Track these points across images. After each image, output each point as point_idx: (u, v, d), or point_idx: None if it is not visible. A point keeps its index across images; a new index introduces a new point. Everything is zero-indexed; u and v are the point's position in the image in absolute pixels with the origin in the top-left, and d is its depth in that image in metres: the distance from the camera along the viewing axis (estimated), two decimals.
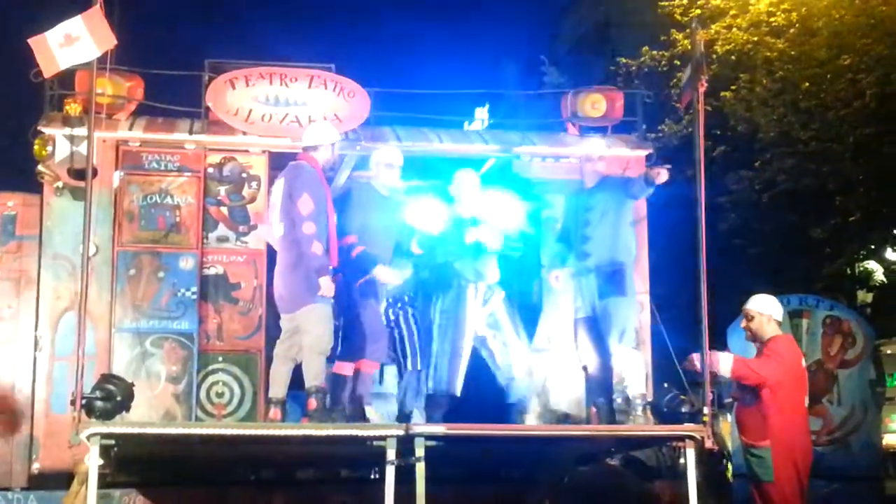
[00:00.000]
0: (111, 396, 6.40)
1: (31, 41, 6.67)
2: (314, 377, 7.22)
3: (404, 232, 8.14)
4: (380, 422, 7.67)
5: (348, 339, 7.79)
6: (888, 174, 13.24)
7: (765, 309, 7.35)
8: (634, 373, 7.59)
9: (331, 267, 7.38)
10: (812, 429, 9.11)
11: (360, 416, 7.50)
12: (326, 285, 7.21)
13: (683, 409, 6.93)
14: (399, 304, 8.47)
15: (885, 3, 13.16)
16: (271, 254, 8.00)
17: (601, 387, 7.92)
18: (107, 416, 6.31)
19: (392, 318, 8.42)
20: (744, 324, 7.44)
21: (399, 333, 8.44)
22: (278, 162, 8.61)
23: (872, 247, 14.63)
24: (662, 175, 7.51)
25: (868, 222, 13.76)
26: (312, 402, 7.15)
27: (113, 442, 6.26)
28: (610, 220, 7.78)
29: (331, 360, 7.63)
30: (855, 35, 13.51)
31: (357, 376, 7.67)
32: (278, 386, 7.34)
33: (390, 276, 7.71)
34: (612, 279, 7.69)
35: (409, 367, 8.40)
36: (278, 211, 7.50)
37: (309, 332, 7.28)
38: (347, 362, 7.71)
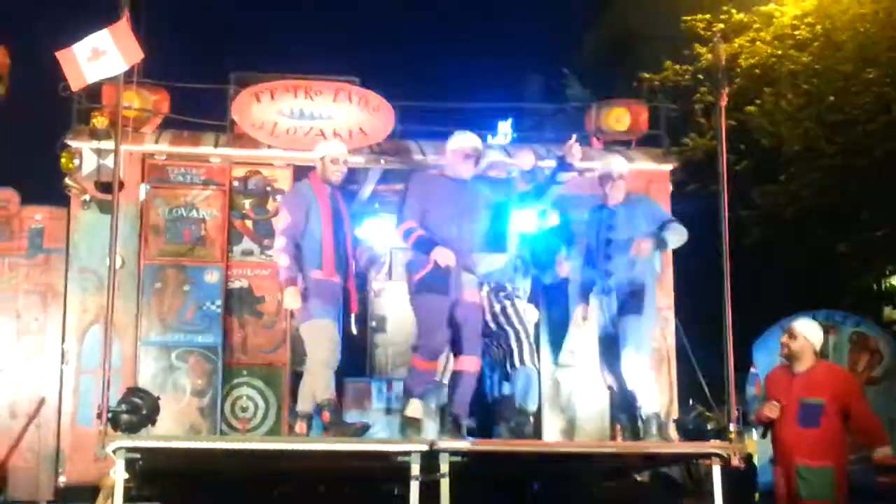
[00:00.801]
0: (137, 410, 6.40)
1: (58, 55, 6.72)
2: (324, 391, 7.20)
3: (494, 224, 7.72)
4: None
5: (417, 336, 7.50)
6: None
7: (811, 335, 7.36)
8: (648, 392, 7.52)
9: (323, 280, 7.34)
10: None
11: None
12: (289, 298, 7.18)
13: (709, 427, 6.88)
14: (503, 293, 7.75)
15: None
16: None
17: (625, 403, 7.86)
18: (132, 429, 6.31)
19: (497, 307, 7.71)
20: (785, 339, 7.39)
21: (505, 325, 7.67)
22: (303, 175, 8.63)
23: None
24: (576, 152, 7.31)
25: (894, 238, 13.64)
26: (326, 416, 7.14)
27: (138, 456, 6.26)
28: (632, 240, 7.71)
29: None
30: (880, 48, 13.40)
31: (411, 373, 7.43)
32: (305, 400, 7.34)
33: (447, 257, 7.13)
34: (633, 297, 7.63)
35: (519, 363, 7.56)
36: None
37: (311, 347, 7.29)
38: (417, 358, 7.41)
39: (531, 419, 7.56)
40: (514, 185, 7.54)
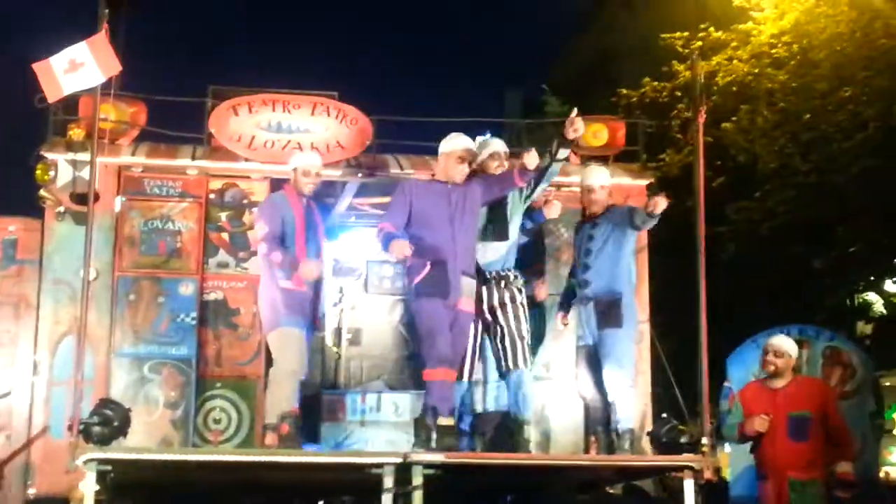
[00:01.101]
0: (108, 422, 6.37)
1: (35, 67, 6.71)
2: (287, 402, 7.19)
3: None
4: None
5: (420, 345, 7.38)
6: (889, 206, 13.24)
7: (794, 351, 7.77)
8: (626, 407, 7.53)
9: (293, 290, 7.35)
10: None
11: None
12: (309, 267, 7.31)
13: (682, 440, 6.91)
14: (504, 283, 7.57)
15: (886, 36, 13.20)
16: None
17: (601, 416, 7.87)
18: (104, 441, 6.29)
19: (496, 298, 7.52)
20: (771, 358, 7.67)
21: (502, 321, 7.50)
22: (280, 188, 8.65)
23: (872, 278, 14.63)
24: (661, 204, 7.43)
25: (868, 254, 13.76)
26: (285, 427, 7.13)
27: (109, 468, 6.23)
28: (610, 250, 7.75)
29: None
30: (856, 67, 13.54)
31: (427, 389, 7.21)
32: (273, 411, 7.31)
33: (401, 249, 7.00)
34: (611, 309, 7.66)
35: (512, 365, 7.40)
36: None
37: (278, 356, 7.29)
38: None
39: (526, 428, 7.51)
40: (514, 180, 7.43)
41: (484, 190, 7.44)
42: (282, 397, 7.19)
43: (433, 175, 7.92)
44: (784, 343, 7.74)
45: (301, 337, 7.32)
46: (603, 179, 7.95)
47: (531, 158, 7.21)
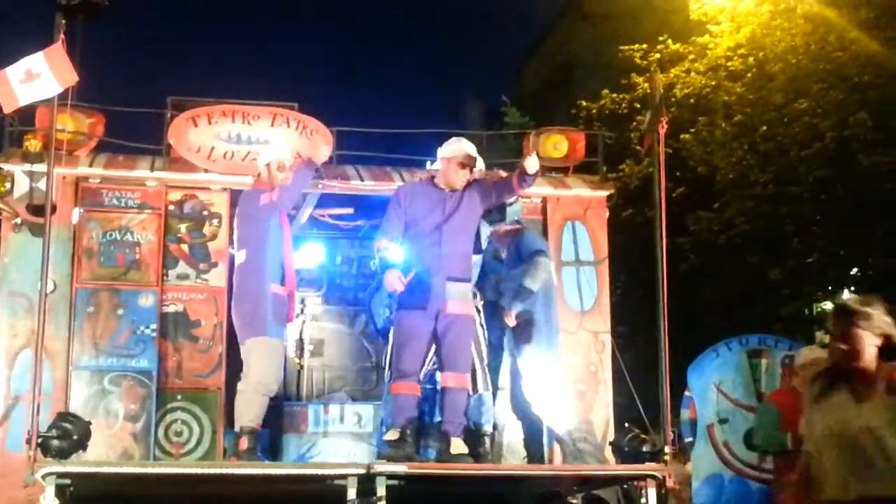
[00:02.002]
0: (67, 435, 6.30)
1: None
2: (252, 417, 7.13)
3: None
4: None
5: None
6: (845, 216, 13.41)
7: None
8: (552, 415, 7.59)
9: (282, 295, 7.37)
10: (772, 468, 9.14)
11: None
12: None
13: (644, 449, 6.95)
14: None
15: (840, 49, 13.39)
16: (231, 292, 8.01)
17: (534, 430, 7.89)
18: (63, 455, 6.21)
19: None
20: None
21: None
22: (239, 199, 8.61)
23: (830, 288, 14.79)
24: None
25: (826, 264, 13.92)
26: (244, 442, 7.09)
27: (69, 481, 6.16)
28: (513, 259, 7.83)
29: None
30: (812, 80, 13.73)
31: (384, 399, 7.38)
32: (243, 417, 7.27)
33: (391, 283, 7.04)
34: (525, 327, 7.63)
35: (472, 390, 7.48)
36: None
37: (257, 366, 7.21)
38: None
39: (487, 440, 7.55)
40: (512, 186, 7.28)
41: (482, 196, 7.33)
42: (251, 411, 7.12)
43: (398, 187, 7.93)
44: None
45: (283, 349, 7.27)
46: (515, 213, 7.89)
47: (532, 163, 7.02)
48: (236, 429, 7.25)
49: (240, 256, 7.57)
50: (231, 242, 8.25)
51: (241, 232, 7.60)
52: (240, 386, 7.32)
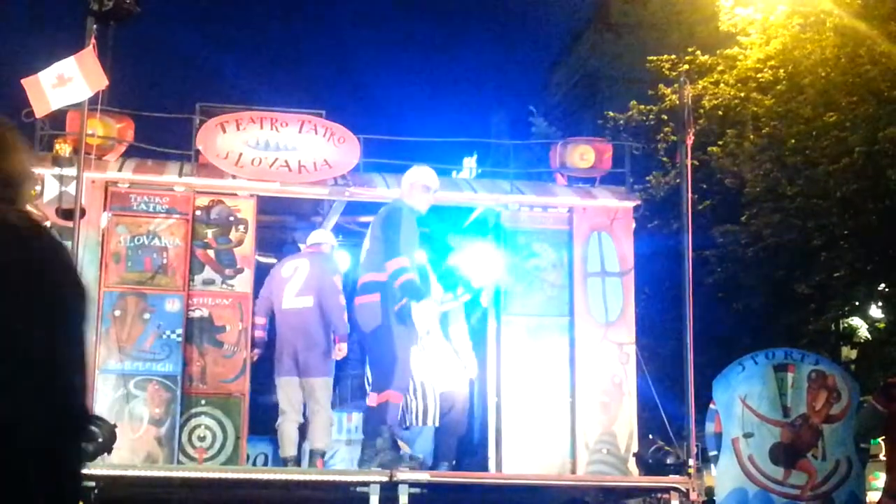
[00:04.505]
0: (94, 438, 6.34)
1: (23, 82, 6.71)
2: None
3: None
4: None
5: (377, 368, 7.70)
6: (873, 231, 13.32)
7: None
8: None
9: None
10: (797, 483, 9.07)
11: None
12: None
13: (669, 461, 6.92)
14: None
15: (871, 63, 13.31)
16: (256, 297, 8.17)
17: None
18: (88, 457, 6.25)
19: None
20: None
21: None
22: (266, 206, 8.66)
23: (857, 303, 14.69)
24: None
25: (853, 279, 13.83)
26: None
27: (93, 484, 6.20)
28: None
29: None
30: (841, 93, 13.65)
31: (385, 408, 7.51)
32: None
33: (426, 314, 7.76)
34: None
35: (420, 422, 8.11)
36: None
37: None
38: (375, 393, 7.57)
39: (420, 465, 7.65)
40: None
41: None
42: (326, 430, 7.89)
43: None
44: None
45: None
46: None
47: None
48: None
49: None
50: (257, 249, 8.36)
51: None
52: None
